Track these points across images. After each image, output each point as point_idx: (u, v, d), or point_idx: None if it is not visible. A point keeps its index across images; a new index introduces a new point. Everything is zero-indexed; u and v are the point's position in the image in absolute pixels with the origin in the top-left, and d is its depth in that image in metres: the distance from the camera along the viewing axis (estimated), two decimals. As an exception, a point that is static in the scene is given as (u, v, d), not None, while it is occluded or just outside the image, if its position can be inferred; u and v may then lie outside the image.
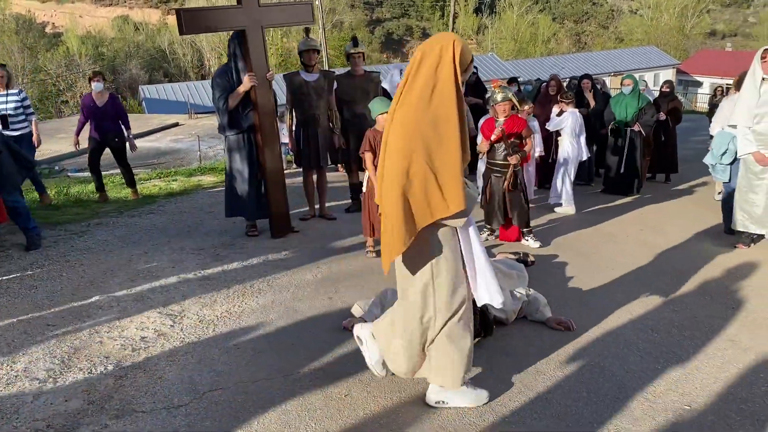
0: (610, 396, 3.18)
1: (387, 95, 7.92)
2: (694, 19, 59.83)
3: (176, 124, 23.23)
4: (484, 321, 3.86)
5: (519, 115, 6.13)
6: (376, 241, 5.71)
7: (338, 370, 3.49)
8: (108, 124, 8.10)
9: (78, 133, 8.39)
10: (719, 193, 8.21)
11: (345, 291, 4.79)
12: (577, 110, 8.01)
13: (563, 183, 7.70)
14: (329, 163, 7.26)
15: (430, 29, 64.70)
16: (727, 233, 6.29)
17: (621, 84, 9.25)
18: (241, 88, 5.95)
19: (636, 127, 8.74)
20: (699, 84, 42.77)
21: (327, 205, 7.33)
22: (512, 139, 5.87)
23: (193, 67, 52.55)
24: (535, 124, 7.78)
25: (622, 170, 8.89)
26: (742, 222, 5.81)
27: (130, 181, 8.73)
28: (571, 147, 7.79)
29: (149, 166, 15.24)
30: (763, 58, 5.37)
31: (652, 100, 9.46)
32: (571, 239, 6.46)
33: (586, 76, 10.27)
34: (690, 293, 4.69)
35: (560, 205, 7.69)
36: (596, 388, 3.26)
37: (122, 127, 8.31)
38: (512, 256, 5.39)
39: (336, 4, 55.69)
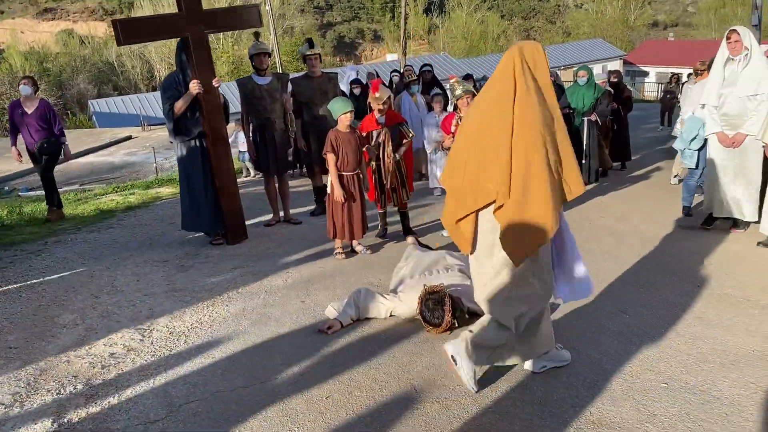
0: (588, 379, 3.21)
1: (344, 96, 7.88)
2: (637, 11, 61.37)
3: (129, 137, 22.73)
4: (458, 311, 3.86)
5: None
6: (346, 243, 5.67)
7: (317, 373, 3.44)
8: (38, 132, 7.59)
9: (14, 144, 7.74)
10: (675, 176, 8.43)
11: (317, 294, 4.73)
12: None
13: None
14: (290, 166, 7.19)
15: (381, 31, 64.92)
16: (686, 216, 6.45)
17: (576, 76, 9.41)
18: (186, 96, 5.85)
19: (593, 117, 8.89)
20: (645, 74, 43.92)
21: (291, 210, 7.25)
22: None
23: (143, 79, 51.56)
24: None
25: (582, 161, 9.03)
26: (707, 205, 5.95)
27: (50, 197, 7.94)
28: None
29: (104, 181, 14.88)
30: (728, 38, 5.51)
31: (607, 91, 9.62)
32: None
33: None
34: (657, 275, 4.77)
35: None
36: (575, 372, 3.28)
37: (56, 134, 7.78)
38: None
39: (286, 9, 55.29)
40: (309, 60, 7.13)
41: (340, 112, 5.47)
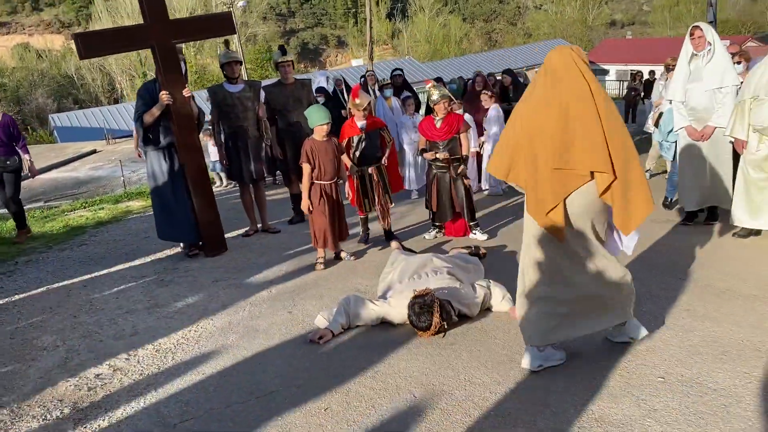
0: (585, 377, 3.21)
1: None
2: (595, 10, 62.61)
3: (94, 151, 22.26)
4: (446, 314, 3.84)
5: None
6: (329, 253, 5.61)
7: (313, 385, 3.38)
8: (1, 148, 7.23)
9: None
10: (647, 170, 8.55)
11: (304, 304, 4.67)
12: (497, 105, 8.24)
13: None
14: (265, 174, 7.09)
15: (345, 37, 64.95)
16: (666, 207, 6.55)
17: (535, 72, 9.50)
18: (156, 108, 5.75)
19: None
20: (606, 72, 44.70)
21: (269, 219, 7.17)
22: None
23: (104, 91, 50.75)
24: (469, 119, 7.91)
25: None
26: (681, 199, 6.05)
27: (19, 219, 7.62)
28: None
29: (70, 197, 14.55)
30: (691, 34, 5.61)
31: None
32: (515, 229, 6.55)
33: (507, 71, 10.51)
34: (640, 269, 4.80)
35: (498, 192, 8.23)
36: (570, 371, 3.28)
37: (17, 150, 7.42)
38: (465, 251, 5.40)
39: (248, 17, 54.95)
40: (281, 67, 7.06)
41: (317, 123, 5.38)
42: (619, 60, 44.26)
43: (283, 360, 3.71)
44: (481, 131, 8.36)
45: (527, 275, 3.35)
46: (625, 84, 25.63)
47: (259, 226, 7.14)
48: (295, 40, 64.60)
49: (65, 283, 5.66)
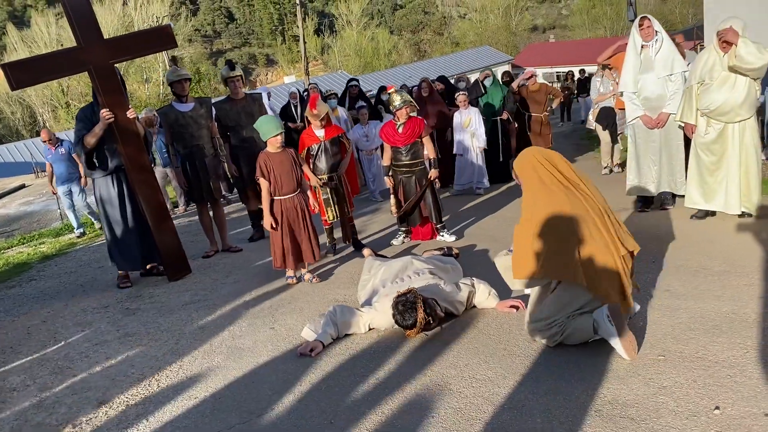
0: (588, 362, 3.23)
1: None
2: (517, 17, 64.49)
3: (22, 186, 21.26)
4: (429, 308, 3.79)
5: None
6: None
7: (313, 398, 3.27)
8: None
9: None
10: (606, 167, 8.79)
11: (284, 319, 4.54)
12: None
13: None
14: (224, 192, 6.91)
15: (274, 54, 64.55)
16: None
17: (481, 78, 9.69)
18: (98, 128, 5.50)
19: (504, 116, 9.15)
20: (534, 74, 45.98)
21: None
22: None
23: (25, 124, 48.68)
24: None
25: (500, 158, 9.26)
26: (636, 188, 6.24)
27: None
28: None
29: (3, 235, 13.81)
30: (640, 25, 5.81)
31: (510, 89, 9.90)
32: (480, 227, 6.61)
33: (441, 78, 10.65)
34: (612, 256, 4.91)
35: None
36: (572, 358, 3.29)
37: None
38: (438, 252, 5.39)
39: (173, 41, 53.79)
40: (231, 82, 6.92)
41: (269, 135, 5.11)
42: (544, 63, 45.67)
43: (277, 376, 3.58)
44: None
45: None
46: (554, 85, 26.41)
47: (219, 246, 6.95)
48: (222, 61, 63.71)
49: (21, 320, 5.33)
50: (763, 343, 3.16)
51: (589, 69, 19.85)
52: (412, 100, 6.00)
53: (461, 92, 8.53)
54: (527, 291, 3.74)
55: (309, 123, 5.99)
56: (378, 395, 3.19)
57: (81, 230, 9.45)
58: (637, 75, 5.94)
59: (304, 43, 20.87)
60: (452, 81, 10.78)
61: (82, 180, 9.30)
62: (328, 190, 5.87)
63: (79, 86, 51.44)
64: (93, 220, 9.65)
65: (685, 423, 2.57)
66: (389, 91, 6.05)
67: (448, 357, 3.53)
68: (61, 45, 42.45)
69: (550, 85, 12.30)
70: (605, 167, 8.80)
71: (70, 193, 9.36)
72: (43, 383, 3.93)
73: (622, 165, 8.80)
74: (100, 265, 7.08)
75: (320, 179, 5.82)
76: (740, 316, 3.53)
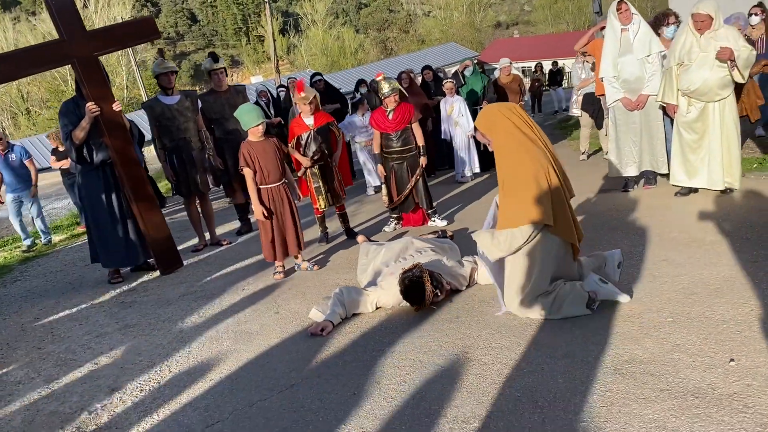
0: (599, 327, 3.31)
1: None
2: (481, 13, 65.00)
3: (-12, 193, 20.65)
4: (436, 281, 3.87)
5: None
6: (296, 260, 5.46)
7: (332, 373, 3.29)
8: None
9: None
10: (583, 152, 8.94)
11: (288, 303, 4.54)
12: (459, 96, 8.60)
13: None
14: (212, 186, 6.86)
15: (239, 55, 63.95)
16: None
17: (462, 67, 9.79)
18: (85, 122, 5.42)
19: (484, 105, 9.24)
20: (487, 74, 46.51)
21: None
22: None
23: (-16, 132, 47.31)
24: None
25: (481, 148, 9.34)
26: (618, 168, 6.38)
27: None
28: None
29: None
30: (618, 9, 5.93)
31: (490, 78, 10.02)
32: (469, 212, 6.69)
33: (427, 67, 10.70)
34: (602, 233, 5.03)
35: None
36: (582, 323, 3.37)
37: None
38: (433, 236, 5.44)
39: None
40: (215, 75, 6.87)
41: (251, 125, 5.01)
42: (510, 58, 46.02)
43: (291, 356, 3.59)
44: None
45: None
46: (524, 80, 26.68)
47: (207, 239, 6.90)
48: (186, 62, 62.96)
49: (13, 318, 5.23)
50: (767, 303, 3.28)
51: (561, 61, 20.15)
52: (400, 87, 6.04)
53: (448, 79, 8.62)
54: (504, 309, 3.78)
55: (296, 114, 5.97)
56: (397, 367, 3.23)
57: (29, 242, 8.81)
58: (616, 59, 6.06)
59: (274, 40, 20.76)
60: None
61: (33, 190, 8.92)
62: (319, 178, 5.86)
63: (39, 92, 50.33)
64: (42, 233, 9.08)
65: (703, 375, 2.67)
66: (377, 78, 6.07)
67: (459, 329, 3.58)
68: (20, 50, 41.28)
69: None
70: (583, 152, 8.95)
71: (20, 203, 8.80)
72: (48, 375, 3.87)
73: (595, 153, 9.00)
74: (86, 264, 6.96)
75: (310, 167, 5.81)
76: (739, 279, 3.66)
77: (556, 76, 18.16)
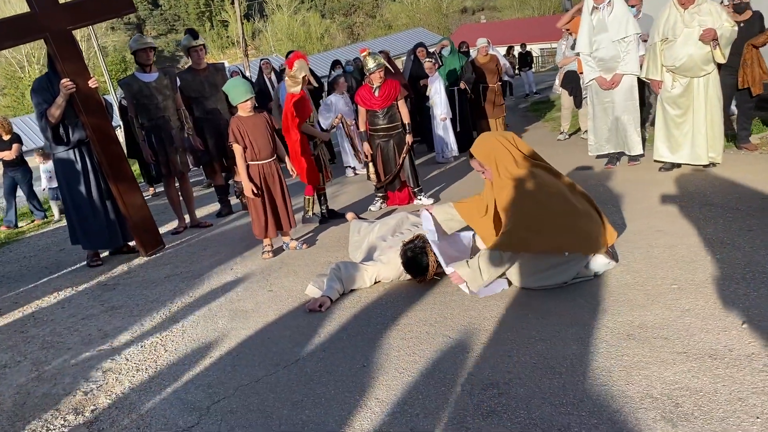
0: (604, 295, 3.30)
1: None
2: (447, -1, 64.97)
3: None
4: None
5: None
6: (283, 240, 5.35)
7: (337, 347, 3.22)
8: None
9: None
10: (562, 132, 8.96)
11: (281, 281, 4.44)
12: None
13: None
14: (191, 166, 6.69)
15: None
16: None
17: (441, 47, 9.71)
18: (60, 99, 5.20)
19: (462, 86, 9.19)
20: (468, 54, 46.50)
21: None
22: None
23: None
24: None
25: (458, 128, 9.31)
26: (596, 146, 6.41)
27: None
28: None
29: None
30: None
31: (467, 59, 9.96)
32: (454, 190, 6.66)
33: (420, 44, 10.58)
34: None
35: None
36: (586, 292, 3.36)
37: None
38: (422, 213, 5.39)
39: (96, 29, 51.53)
40: (194, 52, 6.67)
41: (239, 100, 4.85)
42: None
43: (291, 332, 3.51)
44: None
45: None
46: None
47: (187, 222, 6.74)
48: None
49: (-11, 303, 5.03)
50: None
51: (529, 46, 20.19)
52: (385, 62, 5.94)
53: (427, 59, 8.55)
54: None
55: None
56: (405, 339, 3.17)
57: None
58: (591, 36, 6.05)
59: (242, 23, 20.36)
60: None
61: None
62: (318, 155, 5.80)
63: (-5, 78, 48.73)
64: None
65: (718, 338, 2.67)
66: (362, 54, 5.96)
67: (463, 301, 3.54)
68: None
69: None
70: (561, 132, 8.97)
71: None
72: (36, 358, 3.72)
73: (574, 133, 9.03)
74: (61, 248, 6.76)
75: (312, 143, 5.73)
76: (735, 245, 3.69)
77: (526, 57, 18.22)
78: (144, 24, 65.70)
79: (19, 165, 8.86)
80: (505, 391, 2.52)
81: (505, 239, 3.42)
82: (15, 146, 8.63)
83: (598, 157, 6.56)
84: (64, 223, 8.22)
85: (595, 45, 6.04)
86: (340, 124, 8.00)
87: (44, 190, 9.14)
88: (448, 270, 3.62)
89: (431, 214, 3.99)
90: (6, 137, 8.64)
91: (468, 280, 3.50)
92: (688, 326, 2.81)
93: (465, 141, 9.09)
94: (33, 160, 9.36)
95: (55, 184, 8.51)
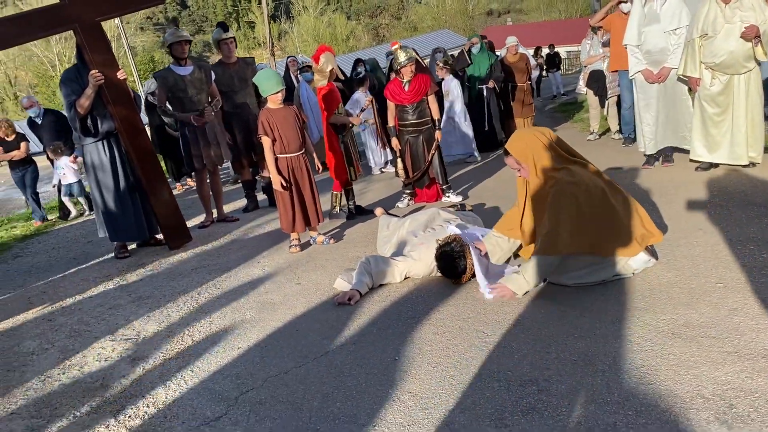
0: (645, 293, 3.18)
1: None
2: (473, 1, 64.69)
3: (-22, 176, 20.33)
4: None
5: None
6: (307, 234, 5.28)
7: (368, 340, 3.14)
8: None
9: None
10: (592, 133, 8.79)
11: (308, 275, 4.37)
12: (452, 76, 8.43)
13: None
14: (226, 160, 6.62)
15: (229, 42, 63.20)
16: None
17: (471, 44, 9.59)
18: (89, 90, 5.20)
19: (490, 84, 9.07)
20: (497, 56, 46.27)
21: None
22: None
23: (-29, 117, 46.66)
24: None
25: (485, 128, 9.18)
26: (644, 143, 6.24)
27: None
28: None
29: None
30: None
31: (497, 57, 9.83)
32: (483, 188, 6.54)
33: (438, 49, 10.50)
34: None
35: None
36: (627, 289, 3.24)
37: None
38: (452, 209, 5.29)
39: (125, 29, 52.22)
40: (224, 45, 6.65)
41: (270, 92, 4.80)
42: (503, 45, 45.89)
43: (320, 324, 3.44)
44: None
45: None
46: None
47: (214, 216, 6.71)
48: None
49: (18, 292, 5.04)
50: (818, 267, 3.16)
51: (556, 48, 19.96)
52: (417, 56, 5.86)
53: (437, 62, 8.50)
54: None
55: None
56: (437, 334, 3.08)
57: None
58: (641, 28, 5.91)
59: (269, 23, 20.42)
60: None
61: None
62: (348, 149, 5.74)
63: (27, 77, 49.66)
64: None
65: (770, 337, 2.54)
66: (393, 47, 5.89)
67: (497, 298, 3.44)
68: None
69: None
70: (592, 132, 8.80)
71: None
72: (63, 346, 3.69)
73: (604, 133, 8.85)
74: (89, 240, 6.78)
75: (341, 137, 5.68)
76: (783, 241, 3.54)
77: (554, 58, 18.03)
78: (177, 22, 66.40)
79: (28, 164, 8.78)
80: (545, 388, 2.42)
81: (549, 244, 3.29)
82: (24, 144, 8.50)
83: (645, 155, 6.39)
84: (70, 223, 8.29)
85: (643, 36, 5.89)
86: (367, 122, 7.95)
87: (54, 186, 8.99)
88: (483, 287, 3.51)
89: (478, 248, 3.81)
90: (11, 138, 8.53)
91: (516, 289, 3.37)
92: (737, 325, 2.68)
93: (491, 140, 8.99)
94: (43, 160, 9.33)
95: (66, 181, 8.49)
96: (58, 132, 8.58)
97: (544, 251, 3.29)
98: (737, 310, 2.82)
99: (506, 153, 3.58)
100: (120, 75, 5.39)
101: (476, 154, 8.45)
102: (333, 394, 2.64)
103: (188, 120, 6.03)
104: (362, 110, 6.43)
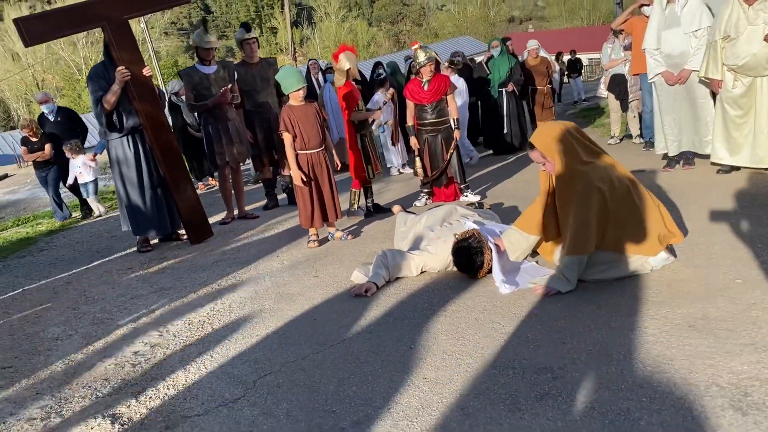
0: (662, 287, 3.17)
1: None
2: (494, 8, 64.65)
3: (6, 176, 20.78)
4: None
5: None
6: (324, 231, 5.33)
7: (384, 329, 3.17)
8: None
9: None
10: (613, 136, 8.75)
11: (326, 269, 4.42)
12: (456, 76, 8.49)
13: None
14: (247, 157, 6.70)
15: (251, 47, 63.73)
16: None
17: (490, 47, 9.62)
18: (116, 86, 5.31)
19: (510, 87, 9.07)
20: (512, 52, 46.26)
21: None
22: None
23: (-1, 119, 47.63)
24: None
25: (505, 130, 9.19)
26: (665, 146, 6.19)
27: None
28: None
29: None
30: None
31: (518, 60, 9.83)
32: (501, 189, 6.55)
33: (456, 53, 10.55)
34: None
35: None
36: (642, 284, 3.24)
37: None
38: (470, 207, 5.31)
39: (150, 33, 52.97)
40: (246, 45, 6.74)
41: (292, 89, 4.87)
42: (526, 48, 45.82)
43: (337, 314, 3.48)
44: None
45: None
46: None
47: (235, 214, 6.79)
48: (200, 53, 62.86)
49: (44, 283, 5.15)
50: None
51: (578, 54, 19.88)
52: (436, 56, 5.90)
53: (445, 62, 8.56)
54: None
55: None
56: (452, 324, 3.10)
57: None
58: (660, 31, 5.89)
59: (292, 29, 20.59)
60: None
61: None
62: (366, 147, 5.78)
63: (54, 80, 50.50)
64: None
65: (788, 331, 2.53)
66: (413, 47, 5.93)
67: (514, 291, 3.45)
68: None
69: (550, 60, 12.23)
70: (613, 136, 8.76)
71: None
72: (86, 332, 3.78)
73: (626, 137, 8.79)
74: (113, 235, 6.90)
75: (360, 135, 5.73)
76: (804, 243, 3.52)
77: (575, 64, 17.96)
78: (206, 23, 67.15)
79: (51, 164, 8.76)
80: (560, 376, 2.43)
81: (581, 243, 3.28)
82: (48, 146, 8.49)
83: (664, 157, 6.36)
84: (93, 219, 8.41)
85: (662, 39, 5.86)
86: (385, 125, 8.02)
87: (67, 186, 8.88)
88: (498, 281, 3.53)
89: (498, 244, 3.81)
90: (35, 139, 8.55)
91: (561, 288, 3.33)
92: (755, 319, 2.67)
93: (509, 143, 9.02)
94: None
95: (83, 180, 8.51)
96: (69, 130, 8.59)
97: (576, 251, 3.30)
98: (755, 305, 2.81)
99: (531, 147, 3.58)
100: (146, 72, 5.50)
101: (474, 153, 8.47)
102: (349, 378, 2.68)
103: (217, 101, 6.11)
104: (384, 103, 6.47)
